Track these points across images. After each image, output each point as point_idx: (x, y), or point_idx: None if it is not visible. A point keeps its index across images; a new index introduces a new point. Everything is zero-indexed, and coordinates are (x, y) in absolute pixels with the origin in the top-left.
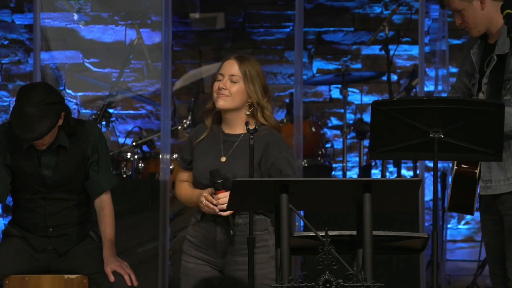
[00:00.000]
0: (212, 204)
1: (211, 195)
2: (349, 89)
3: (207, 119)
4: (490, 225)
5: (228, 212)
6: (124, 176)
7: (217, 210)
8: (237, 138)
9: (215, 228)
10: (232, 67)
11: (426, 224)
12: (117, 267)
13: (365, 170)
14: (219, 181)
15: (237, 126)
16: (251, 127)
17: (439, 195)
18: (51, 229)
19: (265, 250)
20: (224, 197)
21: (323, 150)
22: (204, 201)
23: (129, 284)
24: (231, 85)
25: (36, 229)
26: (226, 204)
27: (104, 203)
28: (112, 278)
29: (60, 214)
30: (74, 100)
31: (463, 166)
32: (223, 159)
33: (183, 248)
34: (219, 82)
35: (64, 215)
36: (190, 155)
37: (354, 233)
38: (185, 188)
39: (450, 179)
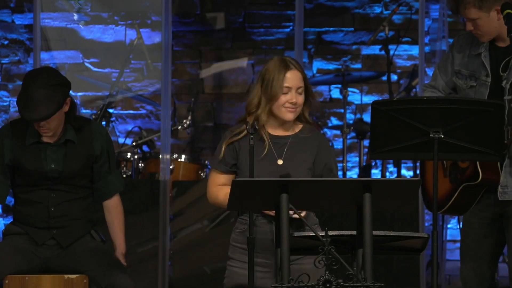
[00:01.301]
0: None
1: None
2: (349, 89)
3: (250, 120)
4: (478, 228)
5: (300, 215)
6: (124, 176)
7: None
8: (287, 140)
9: (271, 229)
10: (298, 80)
11: (426, 224)
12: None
13: (365, 170)
14: None
15: (286, 128)
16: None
17: None
18: (53, 220)
19: None
20: None
21: None
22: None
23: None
24: (299, 97)
25: (38, 220)
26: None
27: (117, 204)
28: (125, 263)
29: (62, 205)
30: (74, 100)
31: (487, 173)
32: (280, 161)
33: (232, 255)
34: (288, 96)
35: (66, 206)
36: (234, 159)
37: (354, 233)
38: (221, 190)
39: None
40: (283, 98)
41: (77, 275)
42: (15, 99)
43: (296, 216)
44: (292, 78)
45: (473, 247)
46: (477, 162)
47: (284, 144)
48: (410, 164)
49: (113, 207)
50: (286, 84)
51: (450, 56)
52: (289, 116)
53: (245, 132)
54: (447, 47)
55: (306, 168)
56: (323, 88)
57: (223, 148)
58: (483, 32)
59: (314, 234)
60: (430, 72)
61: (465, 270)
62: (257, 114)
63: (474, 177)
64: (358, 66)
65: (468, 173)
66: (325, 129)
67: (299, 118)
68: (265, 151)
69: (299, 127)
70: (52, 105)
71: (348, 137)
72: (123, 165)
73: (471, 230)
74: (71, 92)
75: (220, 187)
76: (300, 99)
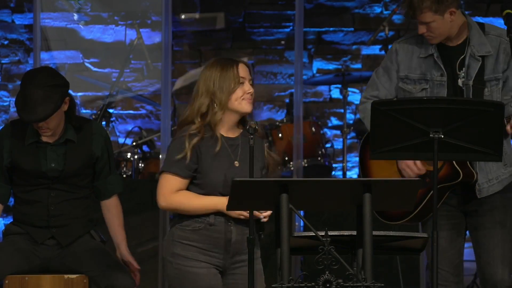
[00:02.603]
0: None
1: None
2: (349, 89)
3: (202, 123)
4: (449, 230)
5: (266, 219)
6: (124, 176)
7: (261, 216)
8: (238, 141)
9: (230, 229)
10: (248, 71)
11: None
12: (131, 262)
13: None
14: None
15: (235, 129)
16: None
17: None
18: (53, 218)
19: None
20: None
21: (323, 150)
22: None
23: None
24: (251, 88)
25: (37, 219)
26: (267, 217)
27: (116, 205)
28: (132, 261)
29: (62, 204)
30: (74, 100)
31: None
32: (237, 163)
33: (183, 253)
34: (245, 87)
35: (66, 205)
36: (195, 163)
37: (354, 233)
38: (193, 196)
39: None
40: (239, 91)
41: (77, 275)
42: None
43: (265, 220)
44: (244, 69)
45: (449, 248)
46: (453, 162)
47: (237, 146)
48: None
49: (112, 206)
50: (241, 75)
51: (393, 62)
52: (249, 107)
53: (201, 134)
54: (385, 56)
55: (259, 168)
56: (323, 88)
57: (188, 153)
58: (436, 34)
59: (314, 234)
60: None
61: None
62: (210, 117)
63: (452, 177)
64: (358, 66)
65: (443, 174)
66: (325, 129)
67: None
68: (222, 153)
69: (239, 129)
70: (50, 105)
71: (348, 137)
72: (123, 165)
73: (441, 232)
74: (71, 92)
75: (177, 193)
76: (253, 90)
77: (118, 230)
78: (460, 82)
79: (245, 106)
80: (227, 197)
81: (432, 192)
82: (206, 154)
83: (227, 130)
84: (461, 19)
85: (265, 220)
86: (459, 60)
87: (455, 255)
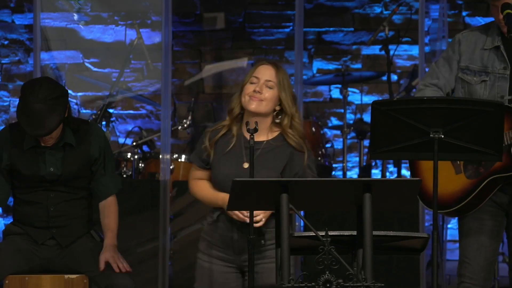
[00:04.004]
0: (243, 215)
1: None
2: (349, 89)
3: (232, 120)
4: (492, 226)
5: (260, 224)
6: (124, 176)
7: (247, 220)
8: (259, 145)
9: (232, 228)
10: (269, 72)
11: (426, 224)
12: (110, 257)
13: (365, 170)
14: None
15: (260, 133)
16: (251, 126)
17: None
18: (52, 219)
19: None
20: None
21: (323, 150)
22: (237, 212)
23: (118, 271)
24: (266, 90)
25: (37, 220)
26: (260, 222)
27: (110, 203)
28: (102, 266)
29: (62, 205)
30: (74, 100)
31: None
32: (246, 165)
33: (199, 246)
34: (254, 85)
35: (66, 206)
36: (209, 156)
37: (354, 233)
38: (205, 187)
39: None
40: (249, 88)
41: (77, 275)
42: (15, 99)
43: (257, 225)
44: (262, 70)
45: (488, 244)
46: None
47: (256, 149)
48: None
49: (104, 207)
50: (254, 74)
51: (456, 52)
52: (253, 106)
53: (224, 131)
54: (447, 47)
55: (272, 176)
56: (323, 88)
57: (207, 147)
58: None
59: (314, 234)
60: None
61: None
62: (233, 110)
63: (507, 169)
64: (358, 66)
65: (498, 164)
66: (325, 129)
67: (277, 126)
68: (236, 153)
69: (274, 134)
70: (55, 118)
71: (348, 137)
72: (123, 165)
73: (485, 226)
74: (70, 92)
75: (196, 180)
76: (268, 93)
77: (105, 232)
78: None
79: (248, 104)
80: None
81: (484, 183)
82: (220, 150)
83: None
84: None
85: (258, 225)
86: None
87: (492, 252)
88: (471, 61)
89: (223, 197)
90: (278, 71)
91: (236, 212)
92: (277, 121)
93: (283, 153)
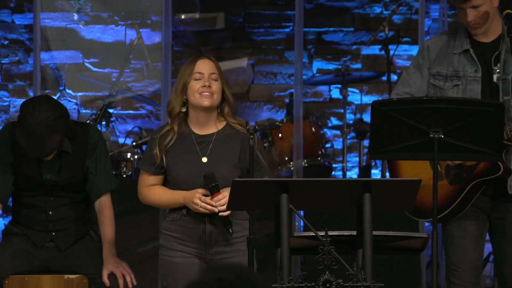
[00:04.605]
0: (211, 205)
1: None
2: (349, 89)
3: (173, 122)
4: (475, 230)
5: (227, 212)
6: (124, 176)
7: (216, 210)
8: (211, 138)
9: (204, 220)
10: (209, 65)
11: (426, 224)
12: (114, 268)
13: (365, 170)
14: (214, 184)
15: (209, 126)
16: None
17: None
18: (52, 223)
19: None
20: (223, 197)
21: (323, 150)
22: (200, 202)
23: (130, 286)
24: (213, 83)
25: (37, 223)
26: (225, 205)
27: (104, 205)
28: (107, 282)
29: (61, 208)
30: (74, 100)
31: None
32: (204, 159)
33: (162, 244)
34: (200, 81)
35: (65, 209)
36: (161, 159)
37: (354, 233)
38: (161, 191)
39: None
40: (196, 85)
41: (77, 275)
42: (15, 100)
43: (223, 214)
44: (202, 65)
45: (473, 249)
46: None
47: (209, 142)
48: None
49: (99, 211)
50: (196, 70)
51: (425, 59)
52: (205, 102)
53: (171, 135)
54: (416, 54)
55: (232, 165)
56: (323, 88)
57: (157, 154)
58: (483, 21)
59: (314, 234)
60: None
61: (462, 275)
62: (174, 110)
63: (492, 171)
64: (358, 66)
65: (482, 168)
66: (325, 129)
67: (222, 116)
68: (189, 150)
69: (222, 124)
70: (56, 138)
71: (348, 137)
72: (123, 165)
73: (468, 232)
74: (70, 92)
75: (149, 187)
76: (216, 85)
77: (104, 242)
78: (495, 77)
79: (202, 101)
80: (191, 191)
81: (468, 187)
82: (172, 151)
83: (199, 127)
84: (496, 12)
85: (224, 214)
86: (494, 56)
87: (477, 256)
88: (442, 66)
89: (184, 195)
90: (215, 62)
91: (203, 205)
92: (221, 111)
93: (235, 141)
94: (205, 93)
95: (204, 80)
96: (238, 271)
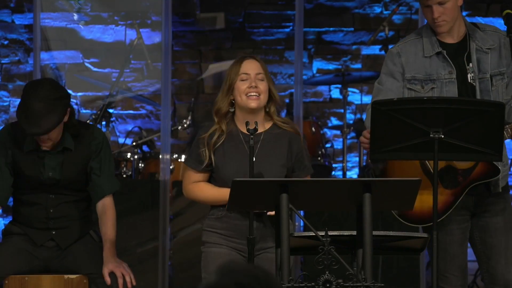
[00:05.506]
0: None
1: None
2: (349, 89)
3: (221, 121)
4: (460, 234)
5: (273, 212)
6: (124, 176)
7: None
8: (259, 138)
9: (248, 216)
10: (255, 66)
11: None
12: (114, 267)
13: (365, 170)
14: None
15: (260, 125)
16: (251, 127)
17: None
18: (52, 221)
19: None
20: None
21: (323, 150)
22: None
23: (129, 286)
24: (260, 83)
25: (37, 221)
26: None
27: (106, 206)
28: (108, 280)
29: (61, 206)
30: (74, 100)
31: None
32: (253, 158)
33: (206, 240)
34: (246, 82)
35: (65, 207)
36: (208, 158)
37: (354, 233)
38: (207, 188)
39: None
40: (242, 86)
41: (77, 275)
42: (15, 100)
43: (271, 213)
44: (248, 65)
45: (459, 253)
46: None
47: (257, 142)
48: None
49: (101, 212)
50: (242, 71)
51: (397, 65)
52: (252, 103)
53: (218, 133)
54: (384, 63)
55: (279, 165)
56: (323, 88)
57: (205, 152)
58: (449, 18)
59: (314, 234)
60: None
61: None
62: (221, 110)
63: (489, 174)
64: (358, 66)
65: (479, 171)
66: (325, 129)
67: (269, 115)
68: (238, 149)
69: (269, 124)
70: (54, 118)
71: (348, 137)
72: (123, 165)
73: (454, 237)
74: (71, 92)
75: (195, 183)
76: (262, 85)
77: (105, 241)
78: (469, 77)
79: (249, 103)
80: None
81: (467, 190)
82: (221, 150)
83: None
84: (460, 11)
85: (271, 213)
86: (465, 56)
87: (464, 259)
88: (416, 71)
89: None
90: (261, 62)
91: None
92: (267, 110)
93: (282, 139)
94: (252, 94)
95: (250, 81)
96: (255, 274)
